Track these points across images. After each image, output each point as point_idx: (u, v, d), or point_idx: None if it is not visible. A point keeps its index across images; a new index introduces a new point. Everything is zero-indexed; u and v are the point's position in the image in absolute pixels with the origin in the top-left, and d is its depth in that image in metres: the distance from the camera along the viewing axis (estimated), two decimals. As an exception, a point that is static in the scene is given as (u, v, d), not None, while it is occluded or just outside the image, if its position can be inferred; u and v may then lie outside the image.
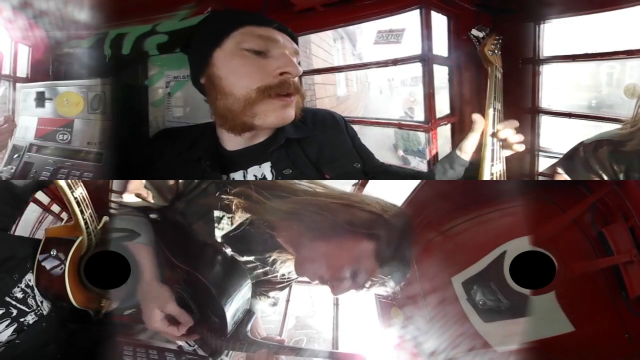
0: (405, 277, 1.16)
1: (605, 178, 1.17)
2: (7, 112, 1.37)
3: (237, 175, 1.23)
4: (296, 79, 1.22)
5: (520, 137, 1.20)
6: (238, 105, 1.17)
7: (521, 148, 1.21)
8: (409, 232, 1.16)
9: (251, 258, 1.25)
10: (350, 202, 1.16)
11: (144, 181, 1.26)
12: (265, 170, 1.23)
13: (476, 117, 1.21)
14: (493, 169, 1.23)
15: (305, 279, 1.17)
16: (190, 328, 1.16)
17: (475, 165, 1.22)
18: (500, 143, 1.21)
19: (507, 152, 1.23)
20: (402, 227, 1.14)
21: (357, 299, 1.49)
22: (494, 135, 1.20)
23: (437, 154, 1.44)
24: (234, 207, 1.18)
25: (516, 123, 1.21)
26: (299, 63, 1.26)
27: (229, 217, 1.20)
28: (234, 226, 1.21)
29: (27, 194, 1.29)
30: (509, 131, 1.19)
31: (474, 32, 1.30)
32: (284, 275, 1.25)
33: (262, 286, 1.32)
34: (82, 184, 1.16)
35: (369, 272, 1.11)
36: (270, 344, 1.18)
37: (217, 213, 1.20)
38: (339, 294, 1.13)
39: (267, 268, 1.25)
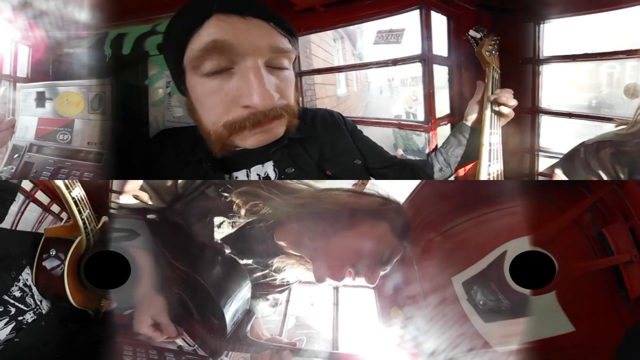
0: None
1: (606, 179, 1.16)
2: (6, 112, 1.37)
3: (241, 175, 1.22)
4: (280, 102, 1.05)
5: (515, 102, 1.27)
6: (211, 137, 1.12)
7: (511, 113, 1.28)
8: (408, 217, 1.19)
9: (250, 261, 1.24)
10: (355, 190, 1.21)
11: (140, 182, 1.26)
12: (268, 169, 1.23)
13: (479, 82, 1.31)
14: (491, 169, 1.23)
15: (328, 282, 1.14)
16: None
17: (477, 134, 1.29)
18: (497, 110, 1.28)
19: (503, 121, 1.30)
20: (403, 209, 1.18)
21: (357, 299, 1.49)
22: (493, 101, 1.27)
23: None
24: (239, 205, 1.17)
25: (511, 91, 1.28)
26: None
27: (229, 222, 1.19)
28: (234, 229, 1.20)
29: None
30: (508, 96, 1.26)
31: (472, 32, 1.31)
32: (283, 279, 1.25)
33: (261, 289, 1.32)
34: (79, 183, 1.16)
35: (394, 248, 1.13)
36: (271, 345, 1.17)
37: (217, 219, 1.19)
38: (375, 280, 1.13)
39: (267, 271, 1.25)
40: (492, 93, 1.28)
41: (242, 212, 1.17)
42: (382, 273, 1.14)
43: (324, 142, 1.27)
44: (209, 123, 1.10)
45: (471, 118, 1.34)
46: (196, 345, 1.22)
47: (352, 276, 1.12)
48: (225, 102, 1.04)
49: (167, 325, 1.15)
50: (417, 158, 1.46)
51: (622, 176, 1.14)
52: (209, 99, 1.05)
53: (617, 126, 1.21)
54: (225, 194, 1.17)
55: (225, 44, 0.98)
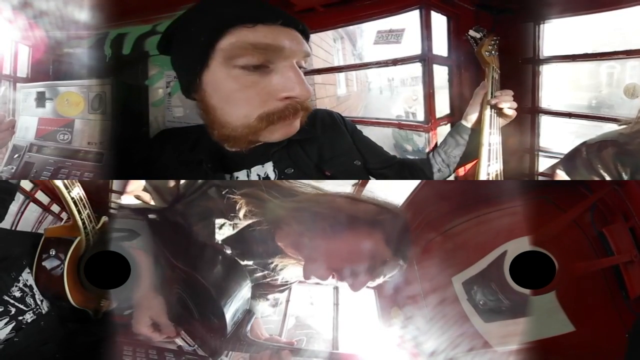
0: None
1: (608, 179, 1.16)
2: (6, 112, 1.37)
3: (241, 175, 1.22)
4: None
5: (514, 104, 1.27)
6: (237, 133, 1.12)
7: (514, 114, 1.28)
8: (407, 226, 1.17)
9: (250, 262, 1.24)
10: (353, 196, 1.20)
11: (143, 182, 1.26)
12: (268, 169, 1.23)
13: (478, 89, 1.31)
14: (490, 169, 1.23)
15: (314, 280, 1.15)
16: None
17: (478, 134, 1.29)
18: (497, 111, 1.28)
19: (503, 122, 1.30)
20: (402, 218, 1.16)
21: (357, 299, 1.49)
22: (493, 106, 1.26)
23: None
24: (241, 206, 1.17)
25: (511, 92, 1.28)
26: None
27: (230, 224, 1.19)
28: (235, 231, 1.20)
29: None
30: (507, 98, 1.26)
31: (471, 33, 1.31)
32: (284, 279, 1.25)
33: (262, 289, 1.32)
34: (79, 183, 1.16)
35: (386, 260, 1.12)
36: (271, 345, 1.17)
37: (219, 221, 1.19)
38: (359, 288, 1.12)
39: (267, 272, 1.25)
40: (492, 93, 1.28)
41: (242, 213, 1.17)
42: (369, 283, 1.13)
43: (323, 142, 1.27)
44: (239, 117, 1.09)
45: (471, 118, 1.34)
46: (196, 345, 1.22)
47: (336, 278, 1.12)
48: (262, 95, 1.07)
49: (166, 325, 1.16)
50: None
51: (624, 176, 1.14)
52: (244, 93, 1.07)
53: (620, 125, 1.21)
54: (230, 196, 1.17)
55: (268, 46, 1.05)
